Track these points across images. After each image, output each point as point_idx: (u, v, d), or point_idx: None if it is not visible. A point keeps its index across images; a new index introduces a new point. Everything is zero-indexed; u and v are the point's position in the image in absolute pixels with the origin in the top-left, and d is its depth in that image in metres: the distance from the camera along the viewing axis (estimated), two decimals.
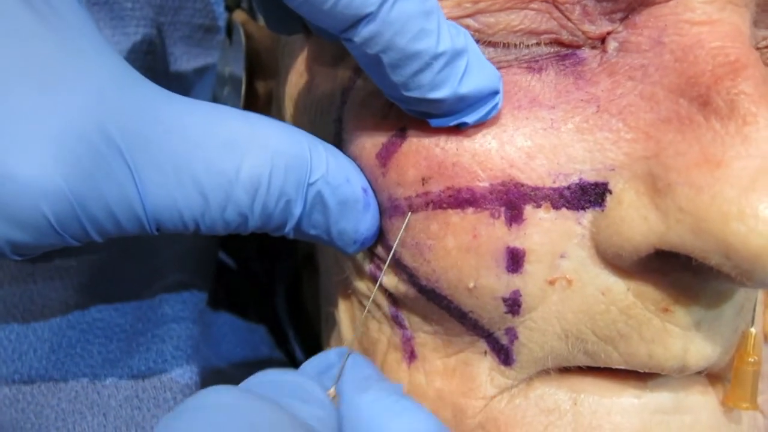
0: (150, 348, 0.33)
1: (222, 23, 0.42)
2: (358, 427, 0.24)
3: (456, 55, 0.24)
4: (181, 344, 0.33)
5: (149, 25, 0.40)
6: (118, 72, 0.26)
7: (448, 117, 0.26)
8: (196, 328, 0.35)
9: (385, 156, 0.27)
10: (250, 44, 0.37)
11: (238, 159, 0.25)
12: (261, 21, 0.39)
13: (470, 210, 0.25)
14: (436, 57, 0.24)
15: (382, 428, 0.24)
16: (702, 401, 0.28)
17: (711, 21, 0.24)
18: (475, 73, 0.25)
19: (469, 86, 0.25)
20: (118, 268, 0.36)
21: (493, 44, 0.26)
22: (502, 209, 0.25)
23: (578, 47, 0.26)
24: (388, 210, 0.27)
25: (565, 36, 0.26)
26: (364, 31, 0.23)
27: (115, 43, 0.40)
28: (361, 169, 0.28)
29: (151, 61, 0.40)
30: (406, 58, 0.24)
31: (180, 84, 0.42)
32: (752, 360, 0.27)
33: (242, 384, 0.24)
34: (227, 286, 0.41)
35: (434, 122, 0.26)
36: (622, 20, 0.26)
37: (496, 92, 0.25)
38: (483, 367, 0.28)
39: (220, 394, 0.21)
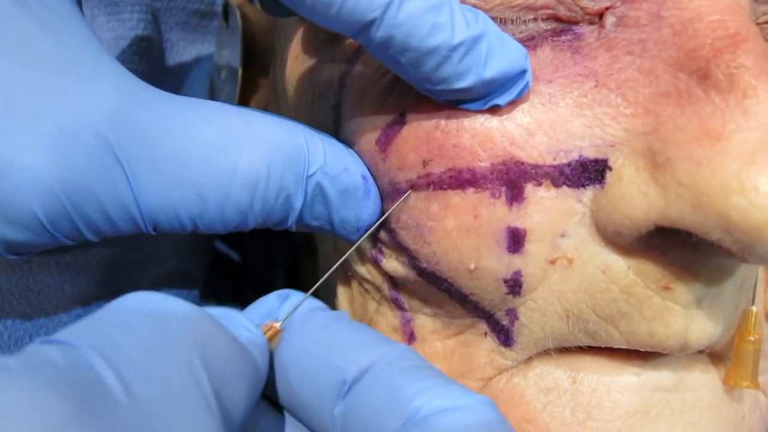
0: None
1: (218, 8, 0.41)
2: (306, 346, 0.24)
3: (475, 41, 0.24)
4: None
5: (144, 11, 0.40)
6: (111, 72, 0.26)
7: (480, 101, 0.25)
8: None
9: (384, 142, 0.27)
10: (246, 27, 0.36)
11: (235, 156, 0.25)
12: (257, 2, 0.39)
13: (471, 190, 0.25)
14: (454, 49, 0.24)
15: (328, 349, 0.24)
16: (703, 379, 0.28)
17: None
18: (497, 55, 0.24)
19: (493, 70, 0.24)
20: (116, 255, 0.36)
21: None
22: (503, 189, 0.25)
23: (576, 23, 0.26)
24: (390, 194, 0.27)
25: (562, 11, 0.26)
26: (375, 36, 0.23)
27: (110, 30, 0.39)
28: (361, 156, 0.28)
29: (147, 48, 0.40)
30: (424, 55, 0.24)
31: (176, 70, 0.42)
32: (753, 338, 0.27)
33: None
34: (225, 272, 0.41)
35: (467, 106, 0.25)
36: None
37: (524, 71, 0.25)
38: (483, 348, 0.28)
39: (139, 297, 0.21)
